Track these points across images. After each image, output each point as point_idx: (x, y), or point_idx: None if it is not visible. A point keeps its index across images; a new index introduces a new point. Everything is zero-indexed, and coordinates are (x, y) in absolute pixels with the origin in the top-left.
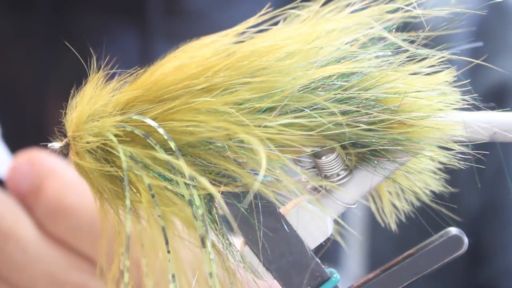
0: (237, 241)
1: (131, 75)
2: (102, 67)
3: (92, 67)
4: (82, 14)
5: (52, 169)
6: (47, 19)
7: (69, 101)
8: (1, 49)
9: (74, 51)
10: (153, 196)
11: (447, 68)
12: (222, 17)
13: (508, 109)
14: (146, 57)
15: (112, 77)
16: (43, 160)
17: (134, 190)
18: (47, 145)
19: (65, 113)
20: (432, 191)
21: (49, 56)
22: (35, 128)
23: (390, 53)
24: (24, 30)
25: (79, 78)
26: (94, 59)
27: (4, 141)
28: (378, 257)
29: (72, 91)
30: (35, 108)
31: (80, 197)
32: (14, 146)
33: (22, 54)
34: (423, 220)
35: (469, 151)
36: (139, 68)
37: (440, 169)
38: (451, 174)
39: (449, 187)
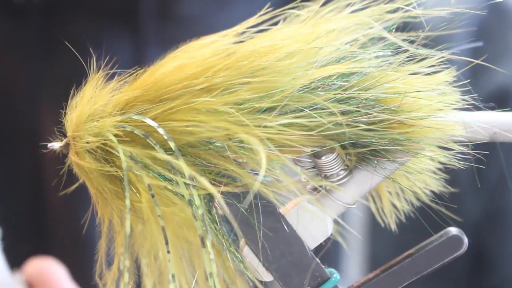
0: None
1: (130, 75)
2: (101, 68)
3: (86, 72)
4: (74, 20)
5: None
6: (40, 25)
7: (62, 106)
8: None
9: (68, 55)
10: (153, 196)
11: (447, 68)
12: (215, 21)
13: (508, 109)
14: (139, 61)
15: (108, 80)
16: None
17: (134, 190)
18: (46, 145)
19: (61, 115)
20: (435, 194)
21: (43, 62)
22: (28, 133)
23: (390, 53)
24: (17, 37)
25: (72, 84)
26: (89, 63)
27: None
28: (376, 258)
29: (65, 96)
30: (28, 114)
31: None
32: (8, 152)
33: (16, 60)
34: (423, 220)
35: (469, 151)
36: (137, 70)
37: (443, 172)
38: (453, 178)
39: (450, 188)
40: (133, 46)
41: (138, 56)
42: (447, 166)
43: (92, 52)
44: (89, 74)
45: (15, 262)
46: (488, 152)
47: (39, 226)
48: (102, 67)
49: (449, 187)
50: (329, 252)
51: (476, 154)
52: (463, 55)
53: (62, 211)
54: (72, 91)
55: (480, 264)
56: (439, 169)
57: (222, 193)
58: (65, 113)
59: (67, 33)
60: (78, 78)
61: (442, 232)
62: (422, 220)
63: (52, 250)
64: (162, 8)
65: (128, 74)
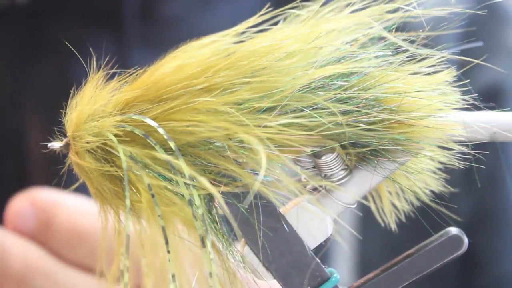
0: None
1: (130, 75)
2: (101, 68)
3: (71, 75)
4: (58, 23)
5: (56, 202)
6: (24, 29)
7: (47, 110)
8: None
9: (53, 59)
10: (153, 196)
11: (447, 68)
12: (198, 22)
13: (508, 109)
14: (123, 63)
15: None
16: (43, 197)
17: (134, 190)
18: (46, 145)
19: (46, 119)
20: (425, 194)
21: (27, 67)
22: (14, 138)
23: (390, 53)
24: (0, 41)
25: (57, 87)
26: (75, 66)
27: None
28: (367, 258)
29: (50, 100)
30: (13, 118)
31: (92, 220)
32: None
33: (2, 64)
34: (417, 221)
35: (468, 151)
36: (137, 70)
37: (437, 170)
38: (445, 178)
39: (444, 188)
40: (117, 48)
41: (122, 57)
42: (444, 164)
43: (76, 56)
44: (75, 77)
45: None
46: (486, 152)
47: None
48: (97, 68)
49: (441, 187)
50: (320, 251)
51: (476, 154)
52: (458, 55)
53: None
54: (57, 95)
55: (470, 264)
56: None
57: (222, 193)
58: (54, 115)
59: (51, 36)
60: (63, 82)
61: (442, 232)
62: (421, 220)
63: None
64: (145, 10)
65: (128, 74)
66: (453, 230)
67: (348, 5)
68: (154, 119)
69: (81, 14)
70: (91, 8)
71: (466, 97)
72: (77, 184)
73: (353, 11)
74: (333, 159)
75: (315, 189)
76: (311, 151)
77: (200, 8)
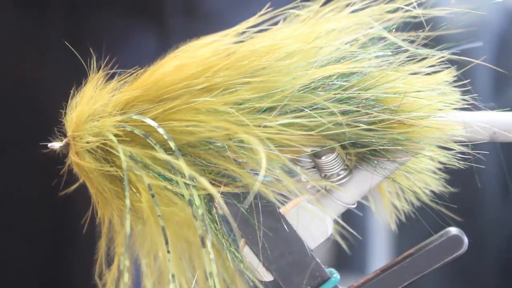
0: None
1: (131, 75)
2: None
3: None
4: (98, 15)
5: None
6: (63, 19)
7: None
8: (15, 48)
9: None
10: (153, 196)
11: (447, 68)
12: (239, 16)
13: (508, 109)
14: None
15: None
16: None
17: (134, 190)
18: (47, 145)
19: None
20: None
21: (64, 57)
22: (52, 127)
23: (390, 53)
24: (39, 29)
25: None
26: (107, 60)
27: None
28: None
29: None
30: (49, 107)
31: None
32: (37, 147)
33: (36, 54)
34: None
35: (469, 151)
36: (137, 69)
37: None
38: (485, 186)
39: (450, 189)
40: (158, 41)
41: (164, 51)
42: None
43: (116, 48)
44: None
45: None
46: (487, 152)
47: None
48: (124, 65)
49: (449, 187)
50: (354, 258)
51: (475, 154)
52: (485, 69)
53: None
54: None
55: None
56: (446, 170)
57: (222, 193)
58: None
59: (91, 29)
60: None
61: (442, 232)
62: (424, 223)
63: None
64: (187, 4)
65: (128, 74)
66: (453, 230)
67: (348, 5)
68: (154, 119)
69: (122, 6)
70: (134, 2)
71: (466, 97)
72: (77, 184)
73: (353, 11)
74: (333, 159)
75: (315, 189)
76: (311, 151)
77: (240, 3)
